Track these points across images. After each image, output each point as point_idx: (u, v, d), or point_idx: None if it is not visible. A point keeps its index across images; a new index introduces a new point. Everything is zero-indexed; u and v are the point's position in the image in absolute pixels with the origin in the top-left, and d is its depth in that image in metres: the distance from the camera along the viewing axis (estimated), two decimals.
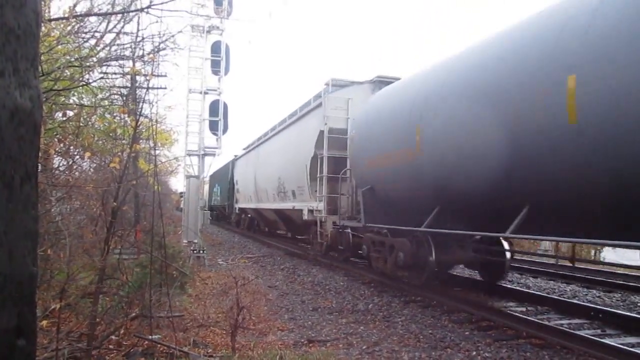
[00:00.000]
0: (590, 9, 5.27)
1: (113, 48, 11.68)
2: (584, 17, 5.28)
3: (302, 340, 6.38)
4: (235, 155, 28.86)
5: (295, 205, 15.36)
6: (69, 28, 8.02)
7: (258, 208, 21.61)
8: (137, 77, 11.73)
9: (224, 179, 31.58)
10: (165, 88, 13.46)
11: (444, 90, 7.75)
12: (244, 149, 26.52)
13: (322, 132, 12.61)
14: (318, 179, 12.99)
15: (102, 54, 10.23)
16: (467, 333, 6.65)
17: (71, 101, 7.88)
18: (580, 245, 12.37)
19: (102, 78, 9.77)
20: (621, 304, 8.54)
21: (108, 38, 11.95)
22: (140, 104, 7.55)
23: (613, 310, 7.60)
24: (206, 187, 42.13)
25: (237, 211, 28.05)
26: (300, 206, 14.58)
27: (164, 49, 10.43)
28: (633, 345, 5.84)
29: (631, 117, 4.63)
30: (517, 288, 9.69)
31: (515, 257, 12.59)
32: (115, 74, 11.73)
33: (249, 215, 26.26)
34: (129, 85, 12.90)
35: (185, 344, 5.72)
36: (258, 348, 5.84)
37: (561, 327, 6.56)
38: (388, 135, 9.18)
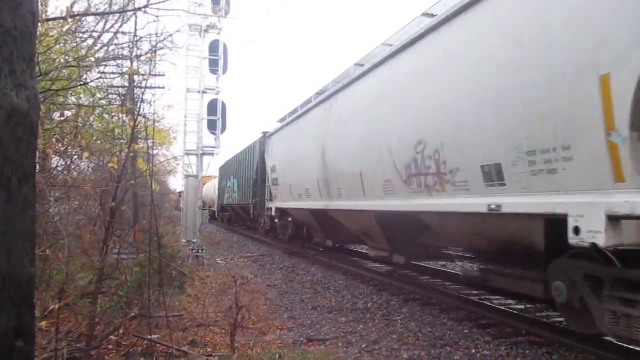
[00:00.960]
0: None
1: (110, 47, 11.67)
2: None
3: (302, 339, 6.39)
4: (265, 132, 18.91)
5: (510, 203, 5.56)
6: (66, 28, 8.01)
7: (327, 209, 11.67)
8: (135, 77, 11.72)
9: (246, 168, 22.87)
10: (163, 87, 13.49)
11: None
12: (280, 121, 16.73)
13: None
14: None
15: (99, 54, 10.24)
16: (466, 331, 6.66)
17: (69, 101, 7.88)
18: None
19: (99, 78, 9.78)
20: None
21: (105, 37, 11.93)
22: (138, 103, 7.55)
23: None
24: (211, 184, 37.64)
25: (272, 213, 17.50)
26: (549, 206, 5.00)
27: (161, 48, 10.42)
28: (632, 343, 5.84)
29: None
30: None
31: None
32: (113, 73, 11.73)
33: (292, 220, 16.65)
34: (127, 84, 12.89)
35: (185, 344, 5.72)
36: (257, 347, 5.85)
37: (560, 325, 6.57)
38: None
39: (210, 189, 37.53)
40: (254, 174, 20.62)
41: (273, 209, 17.24)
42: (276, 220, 17.88)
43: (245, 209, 23.56)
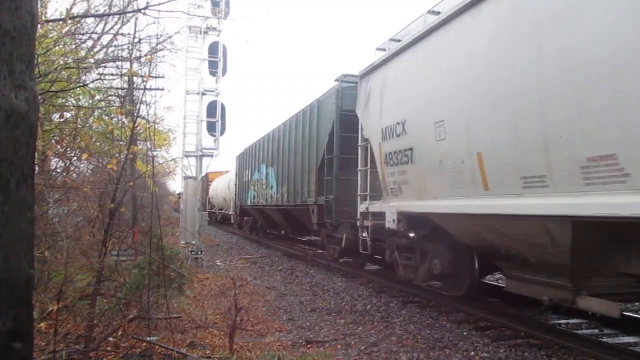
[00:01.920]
0: None
1: (110, 49, 11.67)
2: None
3: (301, 341, 6.38)
4: (345, 75, 11.62)
5: None
6: (65, 29, 8.02)
7: None
8: (135, 79, 11.72)
9: (299, 147, 14.53)
10: (162, 89, 13.48)
11: None
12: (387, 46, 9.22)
13: None
14: None
15: (99, 55, 10.24)
16: (465, 333, 6.65)
17: (68, 103, 7.87)
18: None
19: (99, 79, 9.76)
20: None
21: (105, 39, 11.95)
22: (138, 105, 7.56)
23: None
24: (223, 180, 31.95)
25: (389, 224, 8.41)
26: None
27: (161, 50, 10.43)
28: (630, 345, 5.85)
29: None
30: None
31: None
32: (112, 75, 11.72)
33: (442, 239, 7.80)
34: (126, 86, 12.89)
35: (183, 346, 5.71)
36: (256, 349, 5.83)
37: (559, 327, 6.58)
38: None
39: (223, 187, 31.49)
40: (321, 153, 12.42)
41: (390, 216, 8.44)
42: (365, 237, 9.65)
43: (298, 215, 15.02)
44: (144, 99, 8.78)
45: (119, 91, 13.12)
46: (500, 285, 8.84)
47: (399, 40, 8.57)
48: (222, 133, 14.78)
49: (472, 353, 5.80)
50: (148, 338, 5.37)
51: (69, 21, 7.73)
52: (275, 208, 17.17)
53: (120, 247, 7.78)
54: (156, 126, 11.46)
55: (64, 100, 7.57)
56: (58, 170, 8.66)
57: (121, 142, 9.04)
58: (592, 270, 5.40)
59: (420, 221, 7.97)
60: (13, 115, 1.55)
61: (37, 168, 6.22)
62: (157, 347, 5.35)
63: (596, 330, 6.62)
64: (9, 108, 1.54)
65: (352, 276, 11.56)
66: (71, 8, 9.92)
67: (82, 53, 8.25)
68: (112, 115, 9.78)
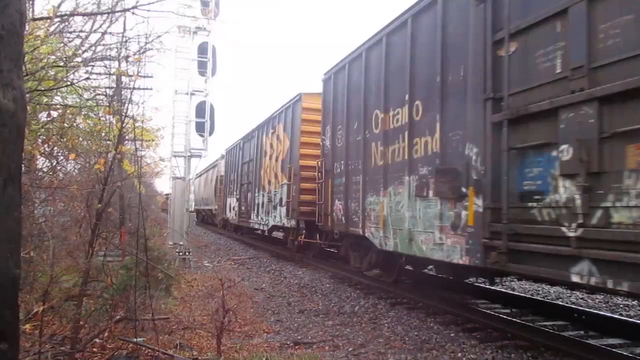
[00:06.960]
0: None
1: (98, 48, 11.60)
2: None
3: (288, 343, 6.37)
4: None
5: None
6: (53, 27, 7.95)
7: None
8: (123, 78, 11.65)
9: None
10: (151, 89, 13.40)
11: None
12: None
13: None
14: None
15: (87, 54, 10.16)
16: (452, 335, 6.69)
17: (55, 101, 7.80)
18: None
19: (87, 78, 9.68)
20: (604, 305, 8.65)
21: (93, 38, 11.86)
22: (126, 104, 7.50)
23: (596, 311, 7.70)
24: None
25: None
26: None
27: (149, 49, 10.36)
28: (615, 346, 5.92)
29: None
30: (503, 290, 9.78)
31: None
32: (100, 74, 11.64)
33: None
34: (115, 85, 12.80)
35: (170, 347, 5.67)
36: (244, 350, 5.82)
37: (545, 329, 6.63)
38: None
39: None
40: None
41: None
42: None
43: None
44: (132, 98, 8.73)
45: (107, 90, 13.03)
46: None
47: None
48: (210, 133, 14.74)
49: (460, 354, 5.83)
50: (135, 339, 5.33)
51: (57, 19, 7.66)
52: None
53: (107, 247, 7.72)
54: (144, 125, 11.38)
55: (50, 99, 7.49)
56: (45, 169, 8.57)
57: (108, 142, 8.98)
58: None
59: None
60: (0, 115, 1.54)
61: (23, 168, 6.14)
62: (143, 348, 5.31)
63: (582, 332, 6.69)
64: None
65: (340, 278, 11.57)
66: (59, 6, 9.84)
67: (70, 52, 8.17)
68: (100, 115, 9.70)
